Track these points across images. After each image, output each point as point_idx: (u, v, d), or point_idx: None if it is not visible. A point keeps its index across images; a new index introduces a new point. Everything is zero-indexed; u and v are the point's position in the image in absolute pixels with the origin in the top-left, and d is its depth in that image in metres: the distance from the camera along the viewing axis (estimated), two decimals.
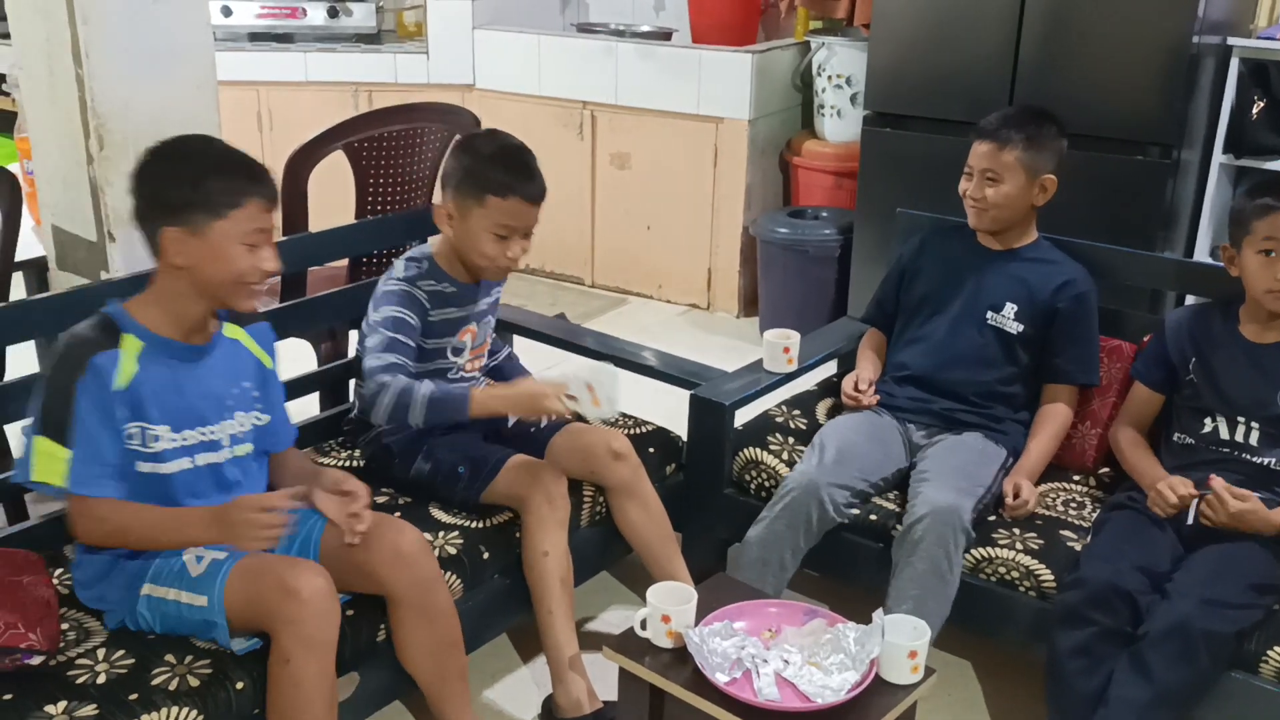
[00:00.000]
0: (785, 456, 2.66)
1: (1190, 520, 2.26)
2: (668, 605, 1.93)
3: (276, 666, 1.88)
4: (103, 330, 1.93)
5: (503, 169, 2.33)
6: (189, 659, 1.91)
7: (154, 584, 1.95)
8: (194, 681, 1.86)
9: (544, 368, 2.61)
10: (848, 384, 2.73)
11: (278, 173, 3.12)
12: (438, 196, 2.51)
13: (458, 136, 2.43)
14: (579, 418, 2.29)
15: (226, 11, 4.97)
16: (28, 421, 1.93)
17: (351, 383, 2.61)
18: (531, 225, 2.38)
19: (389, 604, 2.08)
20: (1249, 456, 2.32)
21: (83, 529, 1.95)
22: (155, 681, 1.85)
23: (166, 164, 1.95)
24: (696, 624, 1.92)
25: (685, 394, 2.73)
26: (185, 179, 1.91)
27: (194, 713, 1.82)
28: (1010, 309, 2.61)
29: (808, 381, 3.04)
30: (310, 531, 2.10)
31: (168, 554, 1.96)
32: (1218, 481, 2.22)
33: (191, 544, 1.97)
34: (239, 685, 1.89)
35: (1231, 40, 3.73)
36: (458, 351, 2.49)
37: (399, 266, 2.42)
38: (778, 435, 2.74)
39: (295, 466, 2.22)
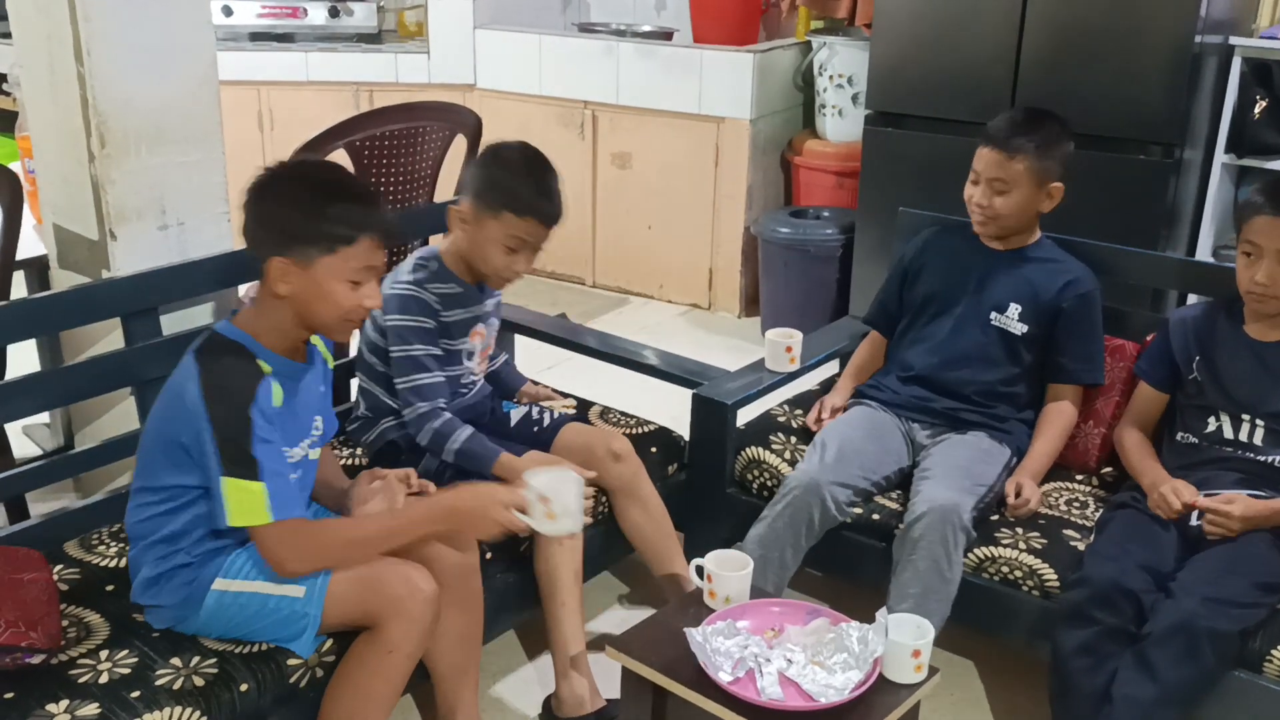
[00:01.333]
0: (787, 456, 2.66)
1: (1195, 522, 2.26)
2: (546, 490, 2.01)
3: (376, 655, 1.90)
4: (244, 356, 1.88)
5: (526, 187, 2.32)
6: (195, 660, 1.90)
7: (229, 579, 1.92)
8: (198, 681, 1.85)
9: (544, 368, 2.60)
10: (811, 418, 2.74)
11: None
12: (444, 195, 2.49)
13: (488, 143, 2.42)
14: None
15: (227, 11, 4.96)
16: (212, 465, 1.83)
17: (354, 381, 2.60)
18: (542, 243, 2.38)
19: None
20: (1253, 455, 2.32)
21: (292, 554, 1.88)
22: (159, 681, 1.84)
23: (285, 190, 1.90)
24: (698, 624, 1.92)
25: (687, 394, 2.73)
26: (301, 209, 1.87)
27: (197, 713, 1.82)
28: (1014, 309, 2.60)
29: (810, 381, 3.03)
30: None
31: (249, 548, 1.93)
32: (1203, 502, 2.24)
33: (415, 543, 2.00)
34: (243, 687, 1.88)
35: (1234, 40, 3.74)
36: (469, 355, 2.49)
37: (406, 266, 2.42)
38: (780, 435, 2.73)
39: (328, 458, 2.23)
